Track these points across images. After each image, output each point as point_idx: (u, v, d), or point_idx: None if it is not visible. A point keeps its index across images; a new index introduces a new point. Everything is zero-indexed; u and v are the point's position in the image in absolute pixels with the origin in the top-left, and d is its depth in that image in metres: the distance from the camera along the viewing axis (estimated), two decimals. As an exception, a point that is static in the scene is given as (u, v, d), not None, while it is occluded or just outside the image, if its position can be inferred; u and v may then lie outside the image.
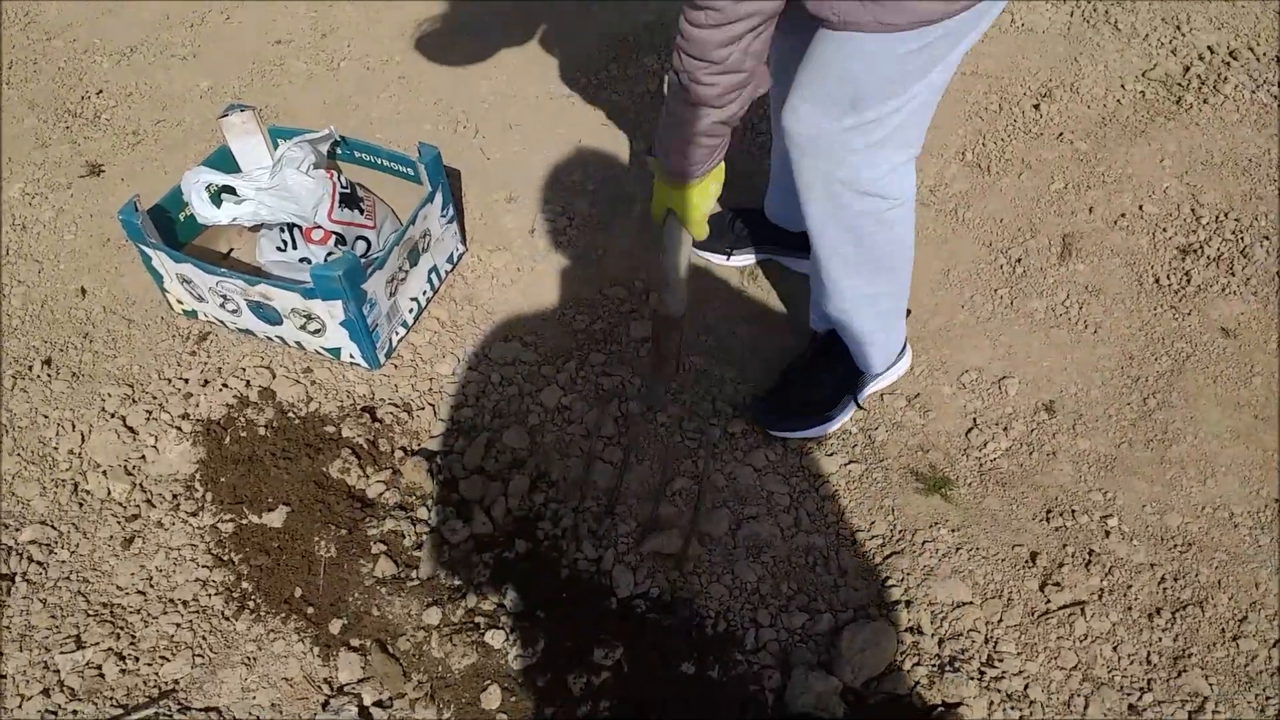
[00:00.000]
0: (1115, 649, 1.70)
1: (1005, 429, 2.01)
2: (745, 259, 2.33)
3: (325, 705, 1.65)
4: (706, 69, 1.36)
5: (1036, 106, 2.62)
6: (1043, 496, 1.91)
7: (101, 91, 2.86)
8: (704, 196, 1.59)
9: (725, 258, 2.33)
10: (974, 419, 2.04)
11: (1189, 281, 2.22)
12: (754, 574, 1.80)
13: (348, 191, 2.16)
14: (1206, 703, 1.63)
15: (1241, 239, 2.27)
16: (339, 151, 2.30)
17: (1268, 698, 1.64)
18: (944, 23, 1.38)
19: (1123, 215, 2.36)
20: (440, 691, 1.66)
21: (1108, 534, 1.84)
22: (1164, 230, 2.32)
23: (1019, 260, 2.30)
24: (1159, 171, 2.44)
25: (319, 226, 2.13)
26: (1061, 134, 2.55)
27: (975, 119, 2.61)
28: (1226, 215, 2.33)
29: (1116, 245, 2.31)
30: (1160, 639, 1.72)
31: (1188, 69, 2.68)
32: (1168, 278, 2.24)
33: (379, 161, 2.28)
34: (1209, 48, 2.73)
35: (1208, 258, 2.25)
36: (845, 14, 1.39)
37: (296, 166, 2.09)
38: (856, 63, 1.44)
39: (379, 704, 1.65)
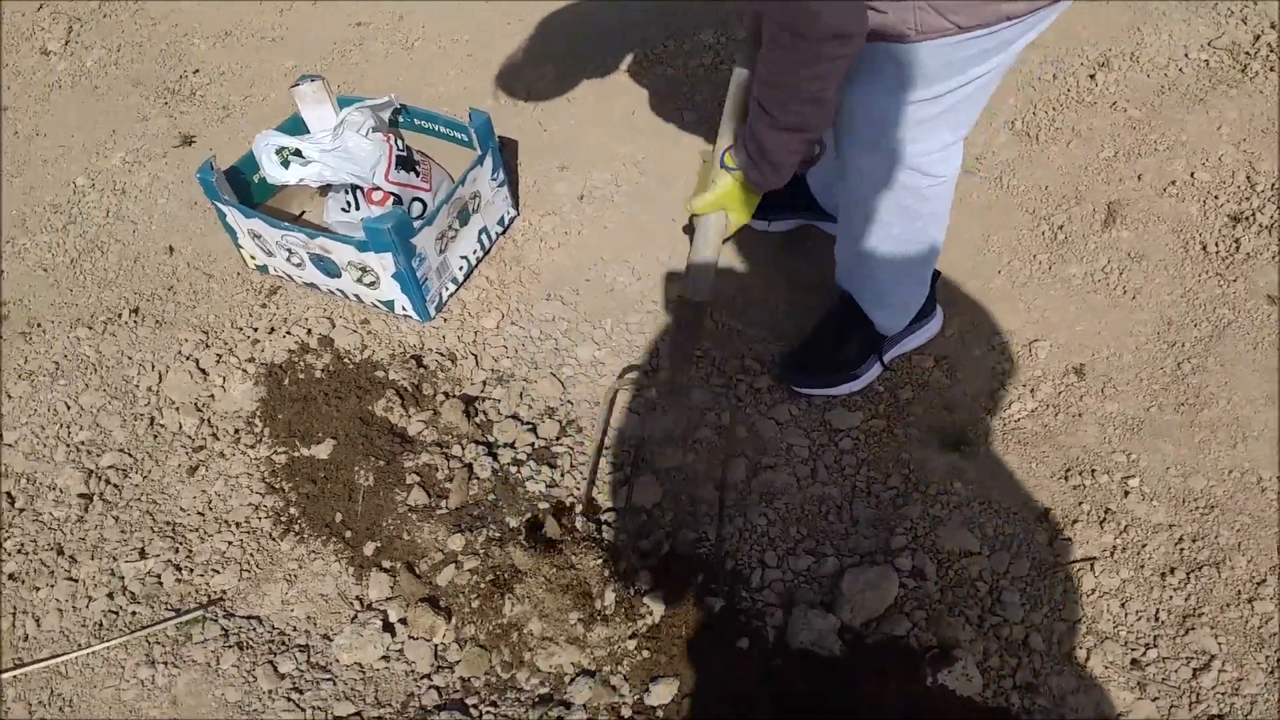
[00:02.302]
0: (1123, 605, 1.70)
1: (1032, 390, 2.01)
2: (784, 224, 2.38)
3: (354, 620, 1.78)
4: (795, 98, 1.38)
5: (1092, 76, 2.58)
6: (1064, 456, 1.91)
7: (198, 71, 3.08)
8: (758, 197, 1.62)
9: (766, 224, 2.38)
10: (1001, 380, 2.04)
11: (1238, 249, 2.17)
12: (764, 518, 1.86)
13: (404, 154, 2.30)
14: (1213, 661, 1.62)
15: (1297, 207, 2.21)
16: (400, 119, 2.44)
17: (1278, 660, 1.61)
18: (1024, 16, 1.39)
19: (1173, 183, 2.31)
20: (462, 611, 1.78)
21: (1127, 494, 1.83)
22: (1215, 198, 2.27)
23: (1061, 227, 2.28)
24: (1215, 139, 2.38)
25: (378, 188, 2.27)
26: (1115, 102, 2.51)
27: (1027, 89, 2.59)
28: (1284, 183, 2.26)
29: (1164, 212, 2.27)
30: (1171, 598, 1.70)
31: (1258, 38, 2.60)
32: (1215, 245, 2.19)
33: (436, 128, 2.42)
34: (1284, 16, 2.65)
35: (1260, 225, 2.19)
36: (924, 25, 1.38)
37: (356, 130, 2.24)
38: (924, 51, 1.45)
39: (403, 621, 1.77)
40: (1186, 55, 2.60)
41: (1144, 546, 1.76)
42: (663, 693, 1.63)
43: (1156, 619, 1.68)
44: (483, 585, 1.79)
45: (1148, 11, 2.72)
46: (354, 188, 2.31)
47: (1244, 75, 2.52)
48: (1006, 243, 2.29)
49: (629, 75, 2.84)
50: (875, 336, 2.05)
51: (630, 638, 1.71)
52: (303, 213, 2.54)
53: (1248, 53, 2.58)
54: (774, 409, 2.05)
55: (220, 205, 2.27)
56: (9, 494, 2.03)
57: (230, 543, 1.92)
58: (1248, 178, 2.29)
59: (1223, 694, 1.58)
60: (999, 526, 1.81)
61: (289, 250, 2.26)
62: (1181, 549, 1.76)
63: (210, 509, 1.98)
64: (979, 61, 1.47)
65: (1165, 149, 2.39)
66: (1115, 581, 1.72)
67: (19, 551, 1.94)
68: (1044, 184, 2.38)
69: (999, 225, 2.32)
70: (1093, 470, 1.87)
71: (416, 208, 2.32)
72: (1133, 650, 1.65)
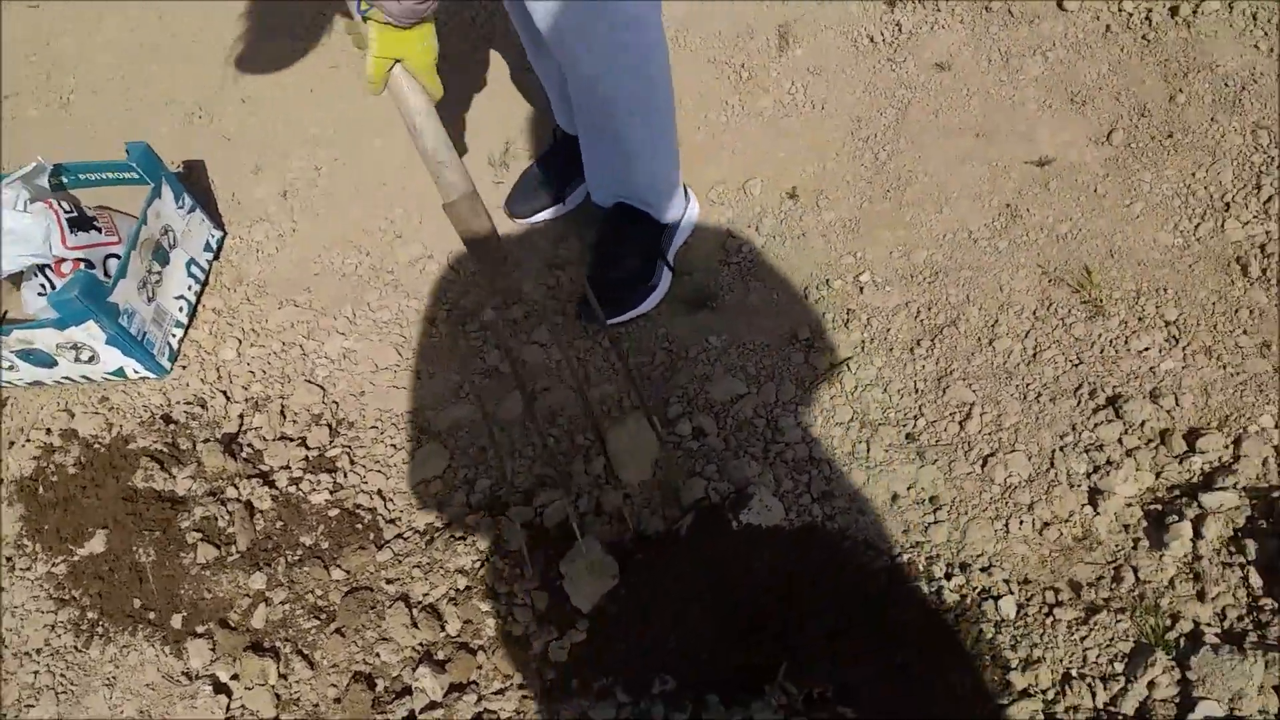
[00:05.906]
0: (884, 390, 1.79)
1: (756, 228, 2.07)
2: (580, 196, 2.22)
3: (184, 696, 1.72)
4: None
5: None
6: (800, 277, 1.98)
7: None
8: (432, 38, 1.42)
9: (560, 206, 2.21)
10: (728, 229, 2.09)
11: (901, 30, 2.26)
12: (552, 439, 1.87)
13: (74, 215, 2.15)
14: (974, 408, 1.73)
15: (940, -27, 2.31)
16: (64, 180, 2.27)
17: (1027, 384, 1.74)
18: None
19: (827, -12, 2.39)
20: (289, 641, 1.74)
21: (861, 290, 1.92)
22: (867, -11, 2.35)
23: (743, 65, 2.33)
24: (852, -66, 2.46)
25: (62, 259, 2.12)
26: (760, -72, 2.55)
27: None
28: (923, -46, 2.36)
29: (829, 19, 2.34)
30: (924, 367, 1.81)
31: None
32: (881, 34, 2.28)
33: (103, 176, 2.26)
34: None
35: (914, 1, 2.29)
36: None
37: (12, 207, 2.08)
38: None
39: (234, 677, 1.72)
40: None
41: (888, 331, 1.86)
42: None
43: (916, 391, 1.78)
44: (299, 611, 1.75)
45: None
46: (40, 267, 2.15)
47: None
48: (698, 98, 2.32)
49: (296, 55, 2.71)
50: (654, 241, 2.00)
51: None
52: (6, 312, 2.36)
53: None
54: (534, 333, 2.04)
55: (-106, 336, 2.08)
56: None
57: (37, 673, 1.81)
58: (889, -39, 2.38)
59: (989, 434, 1.70)
60: (758, 362, 1.87)
61: (-10, 357, 2.10)
62: (921, 320, 1.86)
63: (7, 648, 1.86)
64: None
65: (812, -42, 2.45)
66: (872, 372, 1.81)
67: None
68: (718, 30, 2.42)
69: (688, 84, 2.35)
70: (827, 280, 1.95)
71: (114, 264, 2.18)
72: (905, 426, 1.75)
